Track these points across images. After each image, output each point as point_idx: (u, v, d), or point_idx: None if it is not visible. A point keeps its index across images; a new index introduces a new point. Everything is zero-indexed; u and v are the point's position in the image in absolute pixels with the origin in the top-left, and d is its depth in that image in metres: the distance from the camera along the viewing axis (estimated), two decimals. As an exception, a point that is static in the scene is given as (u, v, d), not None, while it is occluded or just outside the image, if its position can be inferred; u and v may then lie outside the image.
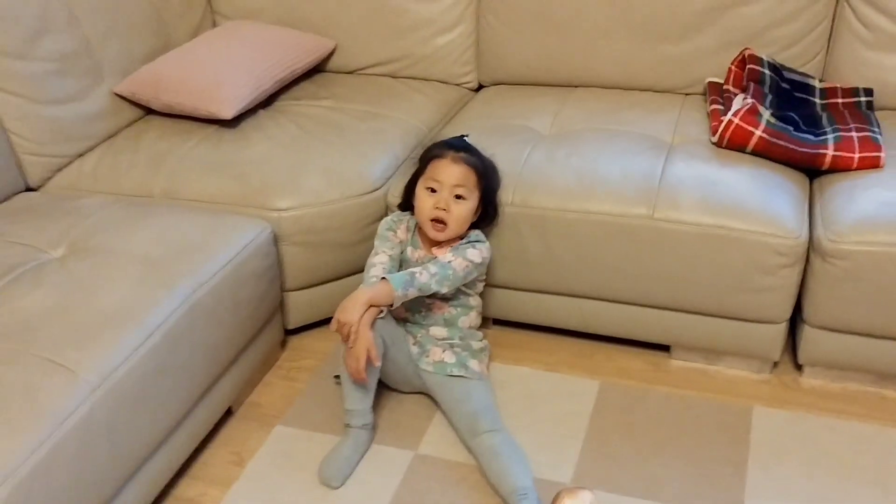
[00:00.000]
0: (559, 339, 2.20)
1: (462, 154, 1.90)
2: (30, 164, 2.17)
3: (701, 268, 1.92)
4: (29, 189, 2.19)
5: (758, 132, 2.00)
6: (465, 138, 1.97)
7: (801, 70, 2.30)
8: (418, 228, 1.97)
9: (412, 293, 1.82)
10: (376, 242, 1.97)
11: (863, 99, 2.22)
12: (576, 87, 2.48)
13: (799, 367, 2.06)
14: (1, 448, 1.36)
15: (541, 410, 1.98)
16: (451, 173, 1.88)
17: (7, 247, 1.84)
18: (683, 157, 2.04)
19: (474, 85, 2.65)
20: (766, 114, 2.07)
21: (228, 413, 2.02)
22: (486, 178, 1.93)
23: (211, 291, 1.79)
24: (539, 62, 2.50)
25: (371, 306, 1.77)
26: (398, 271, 1.90)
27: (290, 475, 1.84)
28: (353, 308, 1.76)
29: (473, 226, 1.96)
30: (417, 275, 1.83)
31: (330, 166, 2.12)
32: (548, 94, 2.45)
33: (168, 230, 1.90)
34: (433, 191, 1.89)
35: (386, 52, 2.64)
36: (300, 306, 2.18)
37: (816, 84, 2.27)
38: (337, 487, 1.80)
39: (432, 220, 1.89)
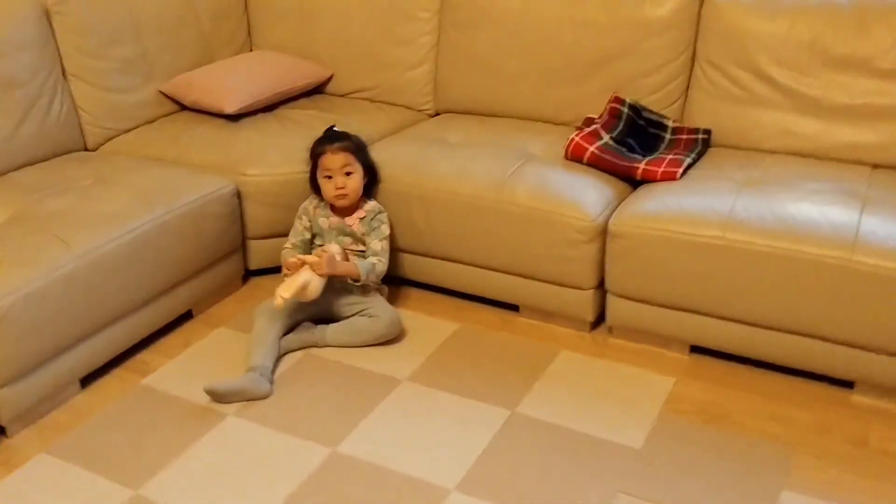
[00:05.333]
0: (440, 296, 2.90)
1: (337, 143, 2.63)
2: (89, 132, 3.07)
3: (528, 240, 2.59)
4: (87, 149, 3.09)
5: (591, 148, 2.67)
6: (334, 128, 2.72)
7: (659, 112, 2.94)
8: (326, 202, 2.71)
9: (371, 278, 2.60)
10: (294, 225, 2.73)
11: (700, 136, 2.84)
12: (500, 116, 3.20)
13: (611, 330, 2.67)
14: (13, 273, 2.19)
15: (406, 335, 2.66)
16: (336, 160, 2.61)
17: (55, 177, 2.73)
18: (536, 163, 2.72)
19: (432, 111, 3.40)
20: (606, 137, 2.74)
21: (190, 315, 2.81)
22: (361, 151, 2.68)
23: (178, 217, 2.60)
24: (475, 96, 3.24)
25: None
26: (307, 239, 2.71)
27: (215, 357, 2.59)
28: (331, 265, 2.49)
29: (366, 190, 2.70)
30: (376, 264, 2.60)
31: (290, 150, 2.91)
32: (476, 120, 3.18)
33: (162, 178, 2.73)
34: (329, 177, 2.63)
35: (368, 81, 3.45)
36: (260, 252, 2.95)
37: (669, 123, 2.91)
38: (214, 396, 2.36)
39: (336, 197, 2.63)
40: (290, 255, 2.64)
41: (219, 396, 2.37)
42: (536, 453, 2.16)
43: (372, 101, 3.45)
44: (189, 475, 2.12)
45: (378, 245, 2.67)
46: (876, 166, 2.68)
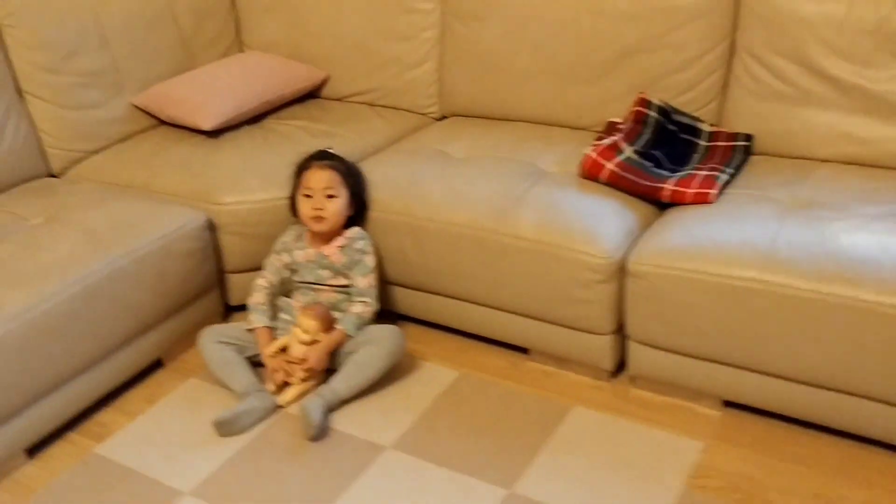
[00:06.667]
0: (439, 333, 2.54)
1: (325, 161, 2.35)
2: (52, 156, 2.77)
3: (535, 278, 2.21)
4: (51, 175, 2.79)
5: (609, 165, 2.27)
6: (329, 150, 2.40)
7: (693, 114, 2.51)
8: (306, 232, 2.39)
9: (363, 326, 2.30)
10: (269, 259, 2.43)
11: (741, 143, 2.41)
12: (510, 120, 2.80)
13: (633, 380, 2.28)
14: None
15: (396, 386, 2.32)
16: (319, 178, 2.31)
17: (2, 216, 2.43)
18: (547, 183, 2.33)
19: (438, 115, 3.02)
20: (629, 150, 2.33)
21: (160, 365, 2.51)
22: (350, 176, 2.36)
23: (135, 261, 2.27)
24: (484, 98, 2.85)
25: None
26: (287, 277, 2.40)
27: (181, 416, 2.28)
28: (323, 359, 2.26)
29: (353, 221, 2.37)
30: (361, 313, 2.30)
31: (271, 172, 2.57)
32: (484, 126, 2.78)
33: (122, 212, 2.42)
34: (309, 196, 2.31)
35: (366, 83, 3.08)
36: (241, 286, 2.61)
37: (705, 127, 2.48)
38: (223, 428, 2.16)
39: (312, 219, 2.31)
40: (257, 309, 2.38)
41: (228, 426, 2.16)
42: (534, 550, 1.82)
43: (371, 104, 3.08)
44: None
45: (363, 282, 2.33)
46: (954, 176, 2.22)
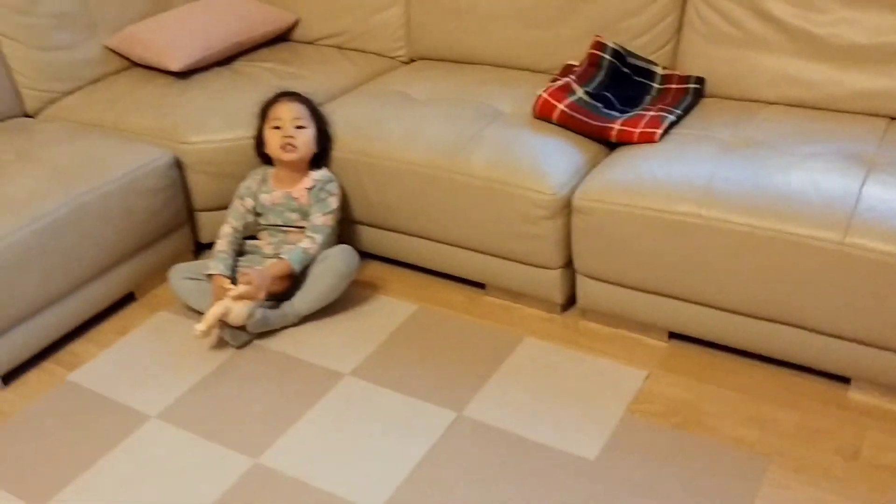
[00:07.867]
0: (401, 270, 2.63)
1: (292, 95, 2.45)
2: (27, 96, 2.83)
3: (487, 215, 2.29)
4: (27, 115, 2.85)
5: (560, 106, 2.34)
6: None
7: (648, 57, 2.58)
8: (271, 175, 2.46)
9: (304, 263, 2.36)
10: (233, 204, 2.48)
11: (692, 86, 2.48)
12: (474, 64, 2.86)
13: (584, 313, 2.38)
14: None
15: (359, 319, 2.43)
16: (289, 109, 2.40)
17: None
18: (501, 123, 2.40)
19: (406, 58, 3.07)
20: (581, 91, 2.40)
21: (133, 298, 2.60)
22: (316, 113, 2.45)
23: (100, 196, 2.35)
24: (449, 41, 2.91)
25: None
26: (252, 221, 2.46)
27: (150, 346, 2.39)
28: (263, 284, 2.29)
29: (317, 161, 2.44)
30: (308, 248, 2.35)
31: (235, 112, 2.63)
32: (448, 68, 2.85)
33: (89, 150, 2.49)
34: (278, 128, 2.39)
35: (334, 27, 3.13)
36: (210, 224, 2.69)
37: (658, 70, 2.55)
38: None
39: (282, 147, 2.38)
40: (218, 256, 2.41)
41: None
42: (476, 467, 1.92)
43: (340, 48, 3.14)
44: (96, 490, 1.94)
45: (319, 220, 2.40)
46: (893, 119, 2.30)
